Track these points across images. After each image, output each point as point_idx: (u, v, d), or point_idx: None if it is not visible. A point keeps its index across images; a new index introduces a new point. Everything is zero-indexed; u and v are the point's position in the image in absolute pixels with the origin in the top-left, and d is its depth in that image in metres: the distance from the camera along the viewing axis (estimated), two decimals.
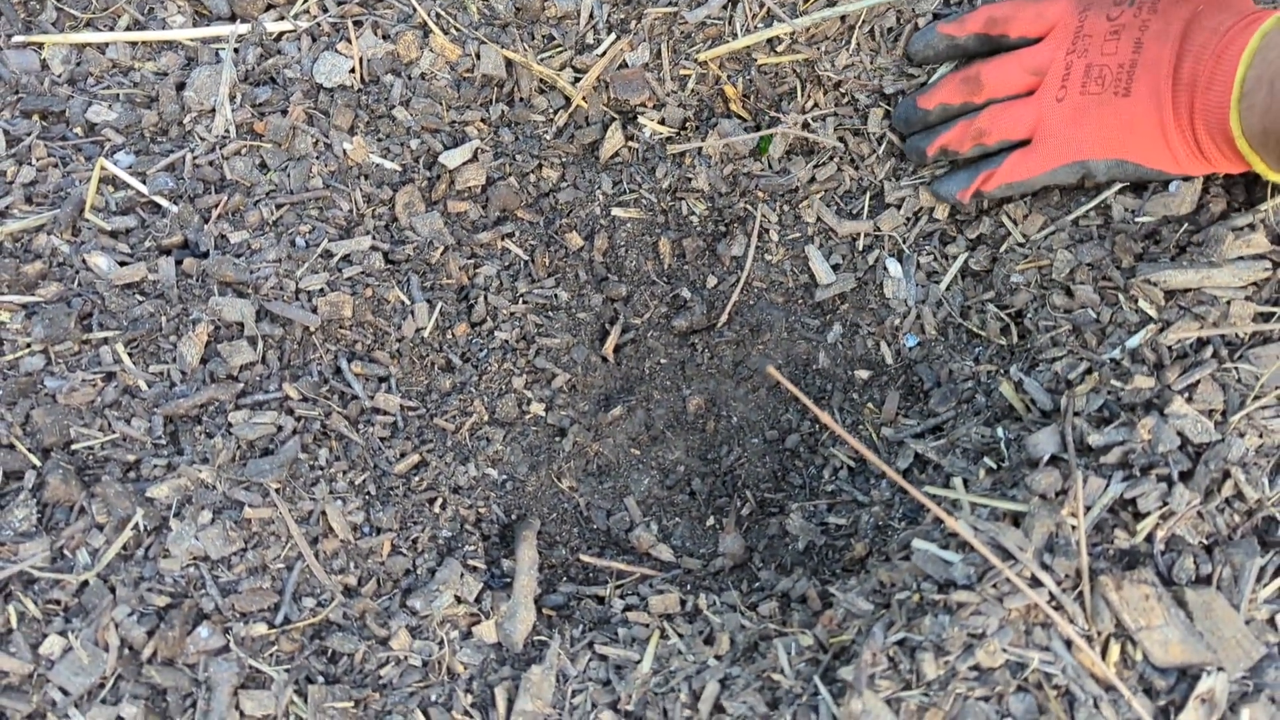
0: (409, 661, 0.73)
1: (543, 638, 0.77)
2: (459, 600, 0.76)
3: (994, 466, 0.76)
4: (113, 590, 0.69)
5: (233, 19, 0.91)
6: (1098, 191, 0.79)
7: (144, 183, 0.83)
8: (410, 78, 0.91)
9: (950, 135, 0.80)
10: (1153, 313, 0.75)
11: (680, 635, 0.76)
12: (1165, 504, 0.68)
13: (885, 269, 0.90)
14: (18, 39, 0.85)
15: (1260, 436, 0.71)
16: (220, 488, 0.73)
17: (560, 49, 0.95)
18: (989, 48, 0.81)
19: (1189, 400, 0.70)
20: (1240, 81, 0.65)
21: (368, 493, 0.78)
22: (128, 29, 0.89)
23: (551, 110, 0.95)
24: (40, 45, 0.86)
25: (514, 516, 0.87)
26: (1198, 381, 0.71)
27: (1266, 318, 0.72)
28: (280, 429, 0.76)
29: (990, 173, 0.79)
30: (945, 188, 0.83)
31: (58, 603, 0.69)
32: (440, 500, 0.81)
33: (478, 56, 0.92)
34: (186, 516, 0.72)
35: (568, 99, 0.95)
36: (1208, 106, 0.67)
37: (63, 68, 0.86)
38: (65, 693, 0.66)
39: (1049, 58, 0.75)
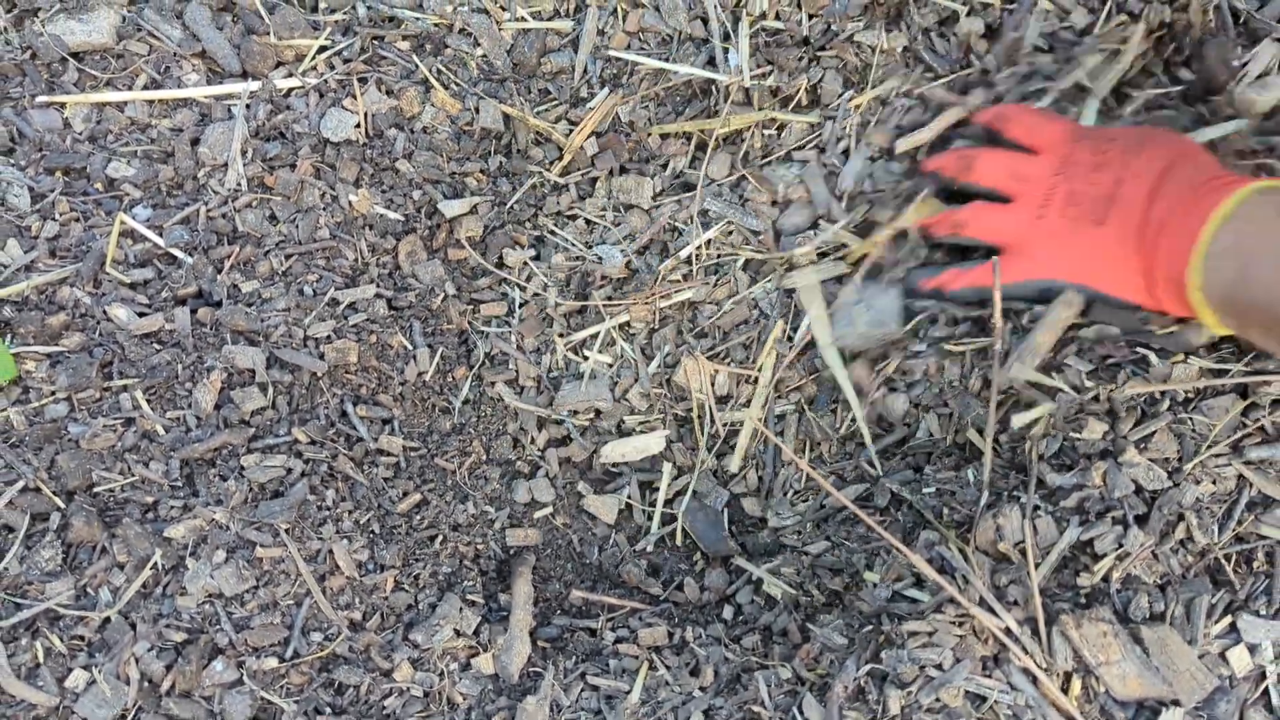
0: (411, 692, 0.77)
1: (537, 669, 0.81)
2: (458, 634, 0.81)
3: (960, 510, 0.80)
4: (133, 626, 0.74)
5: (244, 77, 0.96)
6: None
7: (161, 235, 0.88)
8: (413, 131, 0.96)
9: (936, 222, 0.84)
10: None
11: (668, 667, 0.81)
12: (1121, 546, 0.73)
13: None
14: (41, 99, 0.91)
15: (1213, 483, 0.75)
16: (233, 528, 0.78)
17: (555, 103, 1.00)
18: (989, 140, 0.85)
19: (1142, 450, 0.75)
20: (1208, 241, 0.68)
21: (372, 531, 0.83)
22: (145, 88, 0.94)
23: (547, 161, 1.00)
24: (63, 105, 0.91)
25: (510, 553, 0.92)
26: (1153, 432, 0.76)
27: (1218, 374, 0.77)
28: (289, 471, 0.81)
29: (959, 273, 0.83)
30: (914, 277, 0.87)
31: (81, 638, 0.74)
32: (440, 537, 0.86)
33: (477, 111, 0.97)
34: (202, 556, 0.77)
35: (561, 150, 1.00)
36: (1170, 251, 0.71)
37: (84, 126, 0.91)
38: None
39: (1037, 173, 0.80)
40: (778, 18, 0.96)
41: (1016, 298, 0.81)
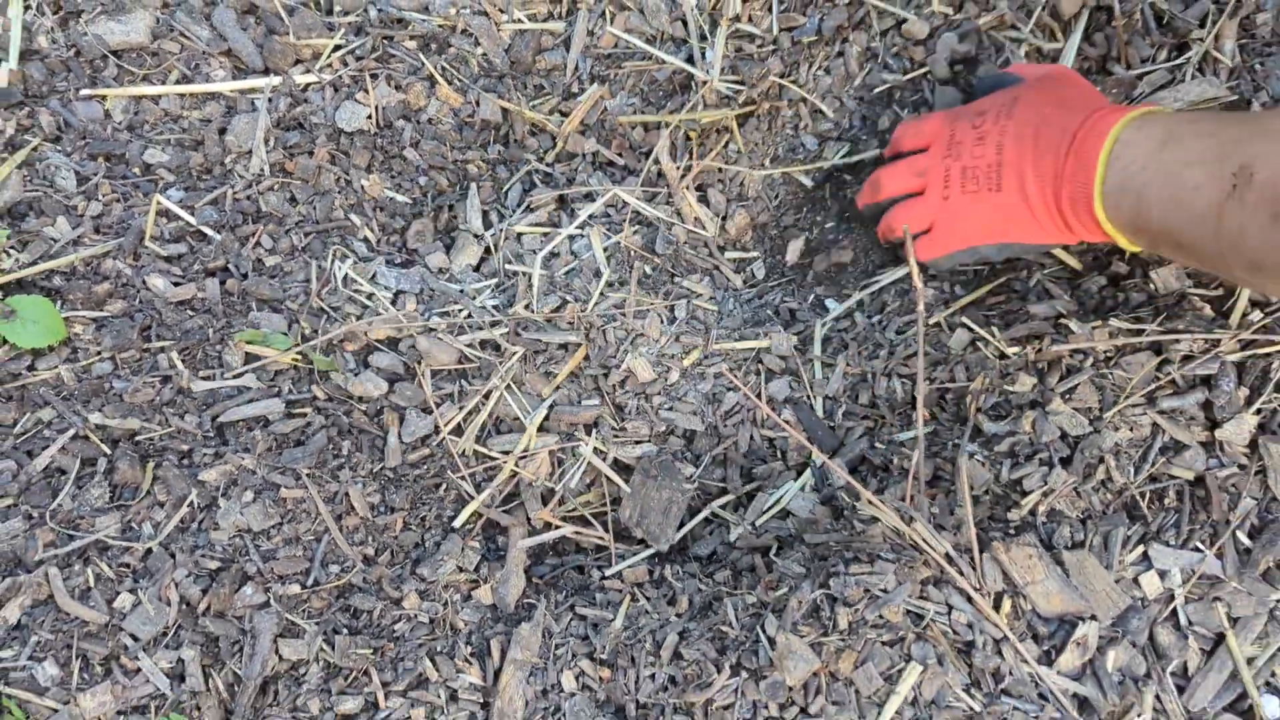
0: (419, 619, 0.87)
1: (531, 601, 0.91)
2: (460, 569, 0.91)
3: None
4: (173, 556, 0.84)
5: (266, 73, 1.06)
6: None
7: (192, 214, 0.98)
8: (419, 123, 1.06)
9: (879, 230, 0.96)
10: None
11: (648, 598, 0.90)
12: (1046, 484, 0.83)
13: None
14: (85, 92, 1.01)
15: (1130, 430, 0.85)
16: (260, 473, 0.88)
17: (549, 96, 1.10)
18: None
19: (1067, 400, 0.85)
20: (1100, 180, 0.77)
21: (384, 478, 0.92)
22: (177, 82, 1.04)
23: (541, 150, 1.10)
24: (104, 97, 1.01)
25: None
26: (1077, 385, 0.86)
27: (1135, 334, 0.87)
28: (310, 424, 0.91)
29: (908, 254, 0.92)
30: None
31: (127, 566, 0.83)
32: (445, 485, 0.95)
33: (477, 104, 1.07)
34: (232, 496, 0.87)
35: (554, 138, 1.10)
36: (1074, 198, 0.80)
37: (123, 116, 1.01)
38: (135, 639, 0.81)
39: (928, 164, 0.90)
40: (750, 20, 1.06)
41: (958, 265, 0.92)
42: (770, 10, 1.06)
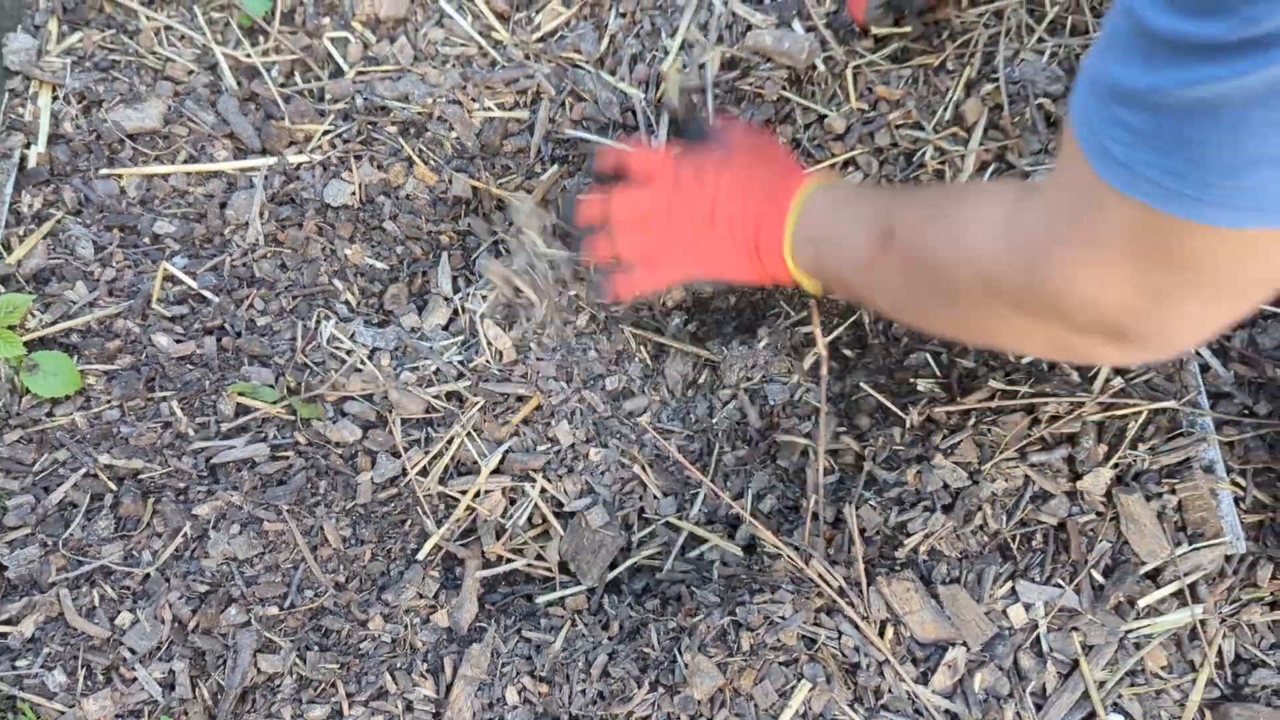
0: (381, 638, 1.00)
1: (482, 625, 1.04)
2: (420, 595, 1.03)
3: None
4: (167, 580, 0.97)
5: (264, 153, 1.20)
6: None
7: (194, 280, 1.12)
8: (398, 198, 1.21)
9: (596, 250, 1.02)
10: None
11: (585, 625, 1.03)
12: (927, 527, 0.96)
13: None
14: (104, 171, 1.15)
15: (1005, 481, 0.98)
16: (246, 508, 1.01)
17: (514, 175, 1.24)
18: (614, 177, 1.04)
19: (948, 455, 0.98)
20: (790, 234, 0.90)
21: (356, 513, 1.05)
22: (184, 162, 1.19)
23: (506, 222, 1.24)
24: (120, 175, 1.16)
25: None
26: (959, 441, 0.99)
27: (1009, 395, 1.01)
28: (291, 465, 1.04)
29: (627, 280, 1.01)
30: (593, 294, 1.09)
31: (128, 588, 0.96)
32: (410, 520, 1.08)
33: (450, 182, 1.22)
34: (221, 528, 1.00)
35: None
36: (769, 244, 0.92)
37: (136, 192, 1.16)
38: (133, 652, 0.93)
39: (655, 199, 0.99)
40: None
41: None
42: (708, 105, 1.21)
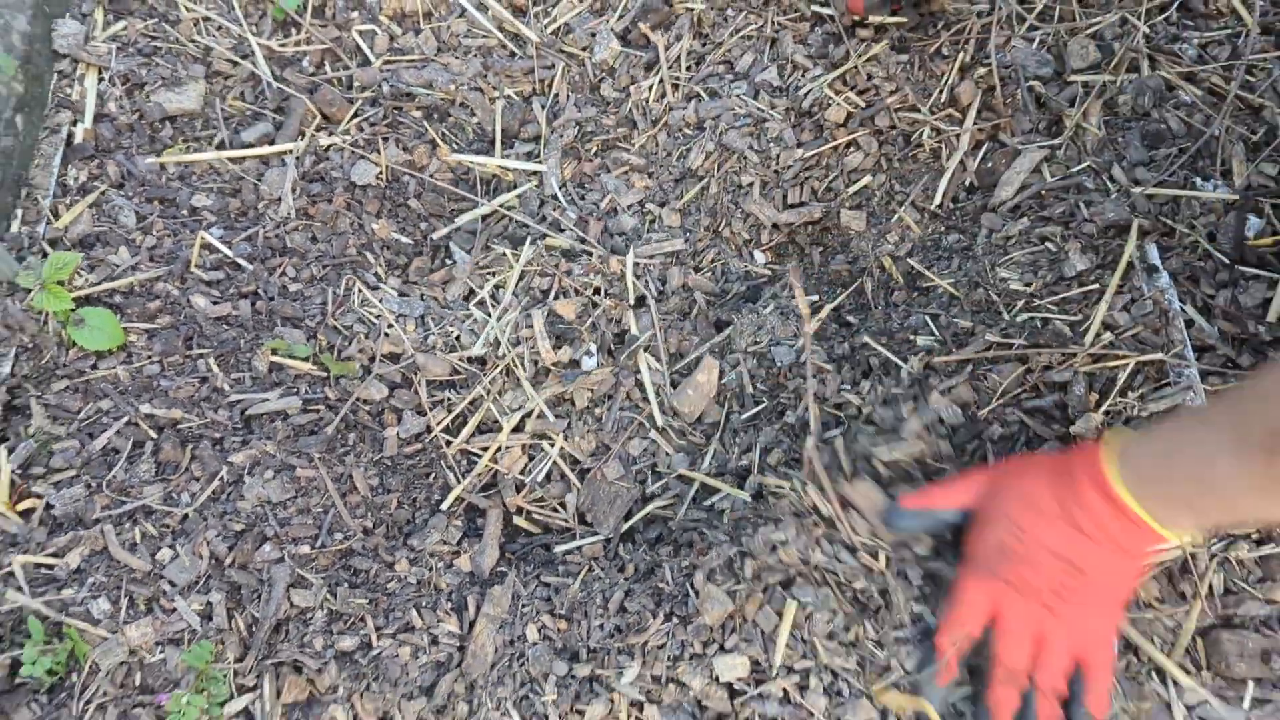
0: (407, 579, 1.05)
1: (503, 570, 1.09)
2: (444, 542, 1.09)
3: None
4: (205, 520, 1.03)
5: (297, 136, 1.28)
6: None
7: (230, 248, 1.19)
8: (421, 178, 1.28)
9: (1043, 712, 0.89)
10: None
11: (602, 569, 1.09)
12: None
13: None
14: (145, 150, 1.23)
15: (1002, 427, 1.04)
16: (279, 456, 1.07)
17: (533, 155, 1.32)
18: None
19: (945, 395, 1.05)
20: (1126, 489, 0.84)
21: (383, 465, 1.12)
22: (219, 147, 1.26)
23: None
24: (160, 153, 1.24)
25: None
26: (956, 384, 1.06)
27: (1005, 346, 1.07)
28: (322, 418, 1.11)
29: (1088, 701, 0.89)
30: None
31: (168, 526, 1.02)
32: (434, 474, 1.14)
33: (471, 163, 1.30)
34: (256, 474, 1.06)
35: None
36: (1134, 526, 0.85)
37: (175, 168, 1.24)
38: (173, 584, 0.99)
39: (1020, 618, 0.89)
40: None
41: None
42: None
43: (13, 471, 1.03)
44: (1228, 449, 0.79)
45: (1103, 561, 0.88)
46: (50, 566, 0.99)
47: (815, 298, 1.25)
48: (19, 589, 0.97)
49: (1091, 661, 0.91)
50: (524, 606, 1.05)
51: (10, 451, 1.04)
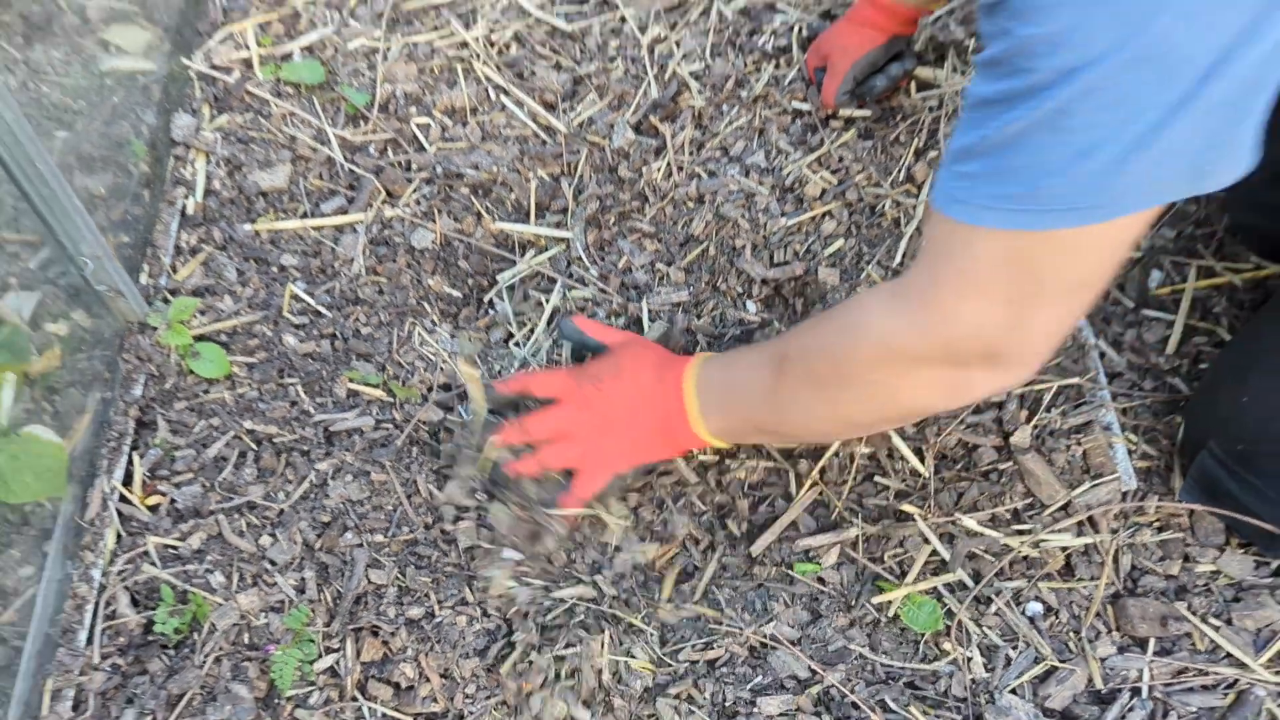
0: (461, 563, 1.28)
1: None
2: None
3: None
4: (298, 514, 1.27)
5: (365, 208, 1.55)
6: None
7: (313, 299, 1.45)
8: (469, 244, 1.55)
9: (523, 466, 1.22)
10: None
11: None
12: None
13: None
14: (242, 219, 1.50)
15: (943, 438, 1.28)
16: (356, 464, 1.31)
17: (562, 224, 1.59)
18: (522, 401, 1.27)
19: None
20: (694, 408, 1.13)
21: (440, 472, 1.35)
22: (303, 216, 1.53)
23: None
24: (254, 220, 1.51)
25: None
26: None
27: None
28: (390, 434, 1.35)
29: (565, 495, 1.21)
30: (550, 528, 1.24)
31: (269, 518, 1.26)
32: None
33: (509, 231, 1.56)
34: (338, 478, 1.30)
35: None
36: (678, 424, 1.15)
37: (267, 233, 1.50)
38: (274, 563, 1.22)
39: (567, 413, 1.20)
40: None
41: (607, 493, 1.24)
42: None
43: (144, 473, 1.27)
44: (757, 365, 1.09)
45: (651, 427, 1.17)
46: (176, 548, 1.22)
47: None
48: (153, 564, 1.20)
49: (584, 473, 1.20)
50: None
51: (141, 457, 1.29)
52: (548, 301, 1.49)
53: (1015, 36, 0.68)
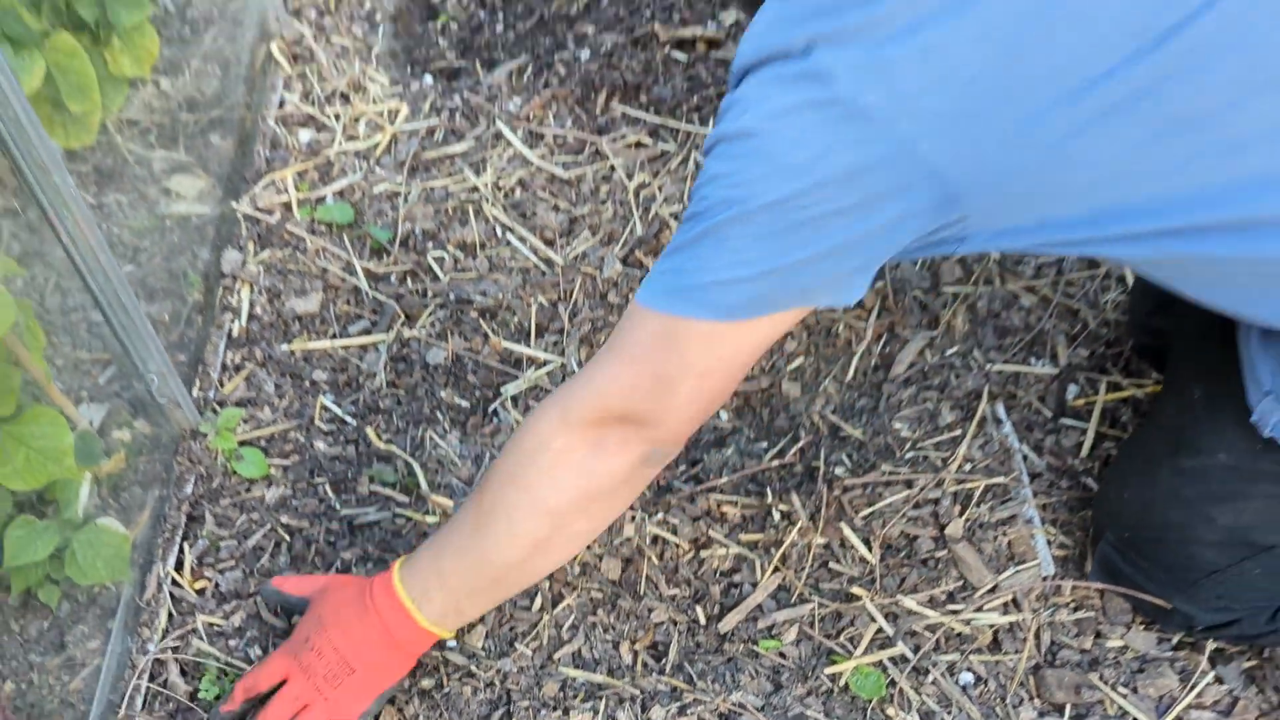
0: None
1: None
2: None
3: None
4: None
5: (388, 329, 1.78)
6: None
7: (340, 409, 1.67)
8: (477, 359, 1.78)
9: None
10: None
11: None
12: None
13: None
14: (280, 343, 1.73)
15: (888, 528, 1.49)
16: (376, 552, 1.51)
17: (558, 344, 1.82)
18: (257, 702, 1.24)
19: (854, 514, 1.50)
20: (412, 607, 1.15)
21: None
22: (332, 337, 1.76)
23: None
24: (290, 341, 1.73)
25: None
26: (858, 506, 1.51)
27: (896, 474, 1.53)
28: (406, 527, 1.55)
29: None
30: None
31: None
32: None
33: (513, 348, 1.79)
34: (360, 565, 1.49)
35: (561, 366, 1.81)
36: (407, 633, 1.16)
37: (301, 353, 1.73)
38: None
39: (300, 689, 1.19)
40: None
41: None
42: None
43: (193, 560, 1.47)
44: (456, 520, 1.15)
45: (374, 658, 1.17)
46: (219, 625, 1.41)
47: (765, 443, 1.71)
48: (200, 639, 1.39)
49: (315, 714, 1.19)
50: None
51: (191, 546, 1.48)
52: None
53: (703, 172, 0.90)
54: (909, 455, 1.59)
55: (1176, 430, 1.23)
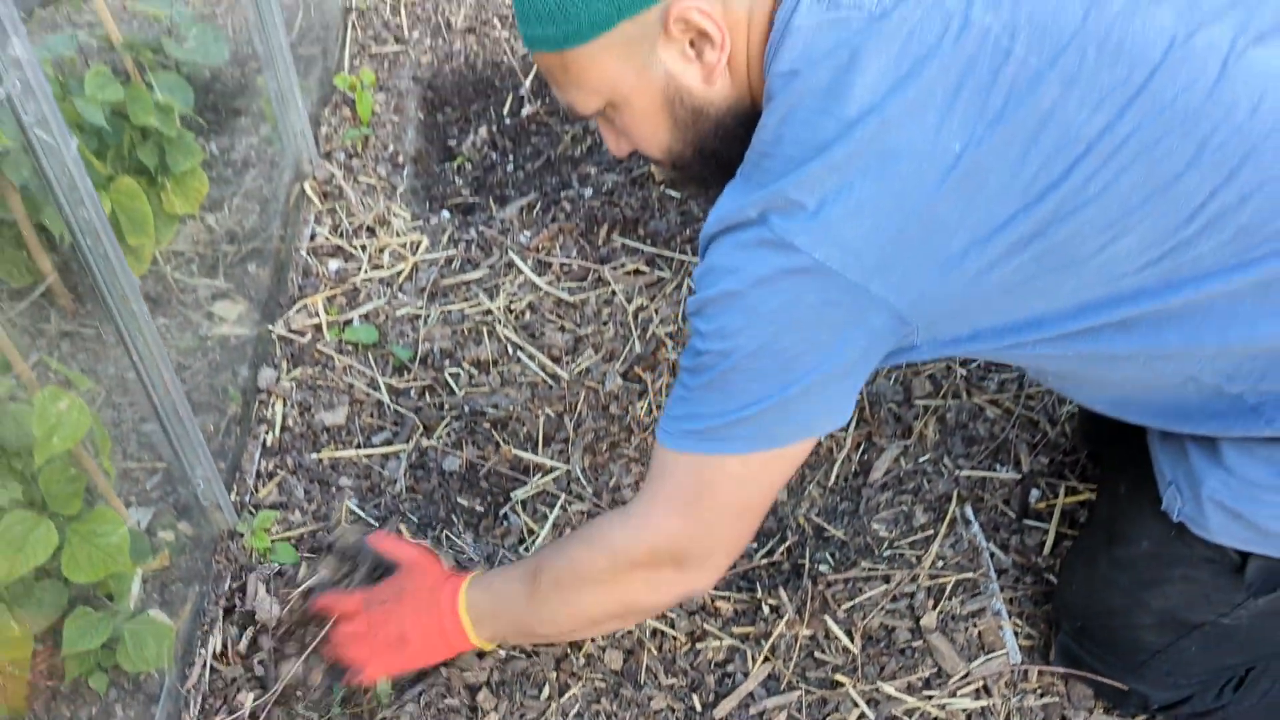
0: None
1: None
2: None
3: None
4: None
5: (408, 440, 1.94)
6: None
7: (364, 512, 1.82)
8: (489, 467, 1.93)
9: (325, 650, 1.48)
10: None
11: None
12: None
13: None
14: (310, 453, 1.89)
15: (867, 620, 1.63)
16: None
17: (564, 452, 1.98)
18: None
19: (837, 608, 1.64)
20: (468, 621, 1.36)
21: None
22: (357, 446, 1.93)
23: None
24: (319, 450, 1.89)
25: None
26: (839, 599, 1.65)
27: (874, 570, 1.68)
28: None
29: (351, 676, 1.45)
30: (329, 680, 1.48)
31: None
32: None
33: (521, 455, 1.95)
34: None
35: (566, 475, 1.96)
36: (455, 634, 1.37)
37: (329, 461, 1.89)
38: None
39: (355, 628, 1.44)
40: None
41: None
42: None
43: (230, 649, 1.60)
44: (514, 579, 1.33)
45: (427, 642, 1.39)
46: (255, 713, 1.53)
47: (755, 544, 1.86)
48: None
49: (365, 675, 1.43)
50: None
51: (227, 636, 1.61)
52: (551, 513, 1.86)
53: (693, 333, 1.06)
54: (886, 553, 1.74)
55: (1109, 523, 1.39)
